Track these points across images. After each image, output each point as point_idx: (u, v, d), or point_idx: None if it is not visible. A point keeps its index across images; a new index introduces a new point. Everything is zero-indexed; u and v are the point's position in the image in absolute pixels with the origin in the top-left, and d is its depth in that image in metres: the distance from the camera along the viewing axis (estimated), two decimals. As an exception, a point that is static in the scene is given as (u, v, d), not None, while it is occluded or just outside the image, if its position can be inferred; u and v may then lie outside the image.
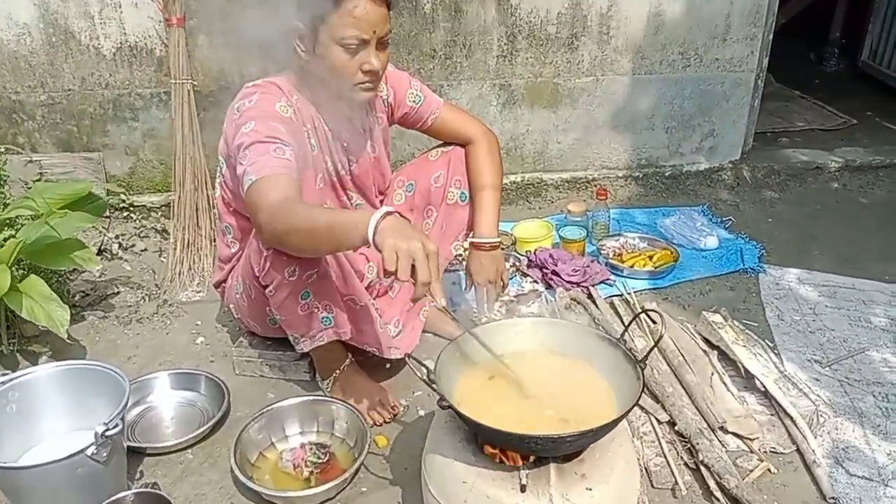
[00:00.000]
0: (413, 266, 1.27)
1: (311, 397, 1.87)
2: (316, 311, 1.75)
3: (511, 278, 2.52)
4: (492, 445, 1.38)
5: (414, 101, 2.00)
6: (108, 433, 1.48)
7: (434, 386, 1.30)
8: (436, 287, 1.30)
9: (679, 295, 2.48)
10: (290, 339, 1.85)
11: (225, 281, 2.03)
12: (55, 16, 2.55)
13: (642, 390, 1.33)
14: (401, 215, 1.38)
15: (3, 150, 2.37)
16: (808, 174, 3.32)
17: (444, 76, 2.88)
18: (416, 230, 1.39)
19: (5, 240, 2.07)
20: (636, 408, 1.91)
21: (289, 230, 1.47)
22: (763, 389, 1.94)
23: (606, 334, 1.52)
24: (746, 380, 2.01)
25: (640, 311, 1.76)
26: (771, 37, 3.17)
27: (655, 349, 2.10)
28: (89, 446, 1.47)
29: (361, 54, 1.66)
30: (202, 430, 1.82)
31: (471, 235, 2.04)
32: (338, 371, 1.93)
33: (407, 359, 1.32)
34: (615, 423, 1.29)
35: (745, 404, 1.93)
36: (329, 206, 1.82)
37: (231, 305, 2.02)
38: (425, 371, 1.31)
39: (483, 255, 2.00)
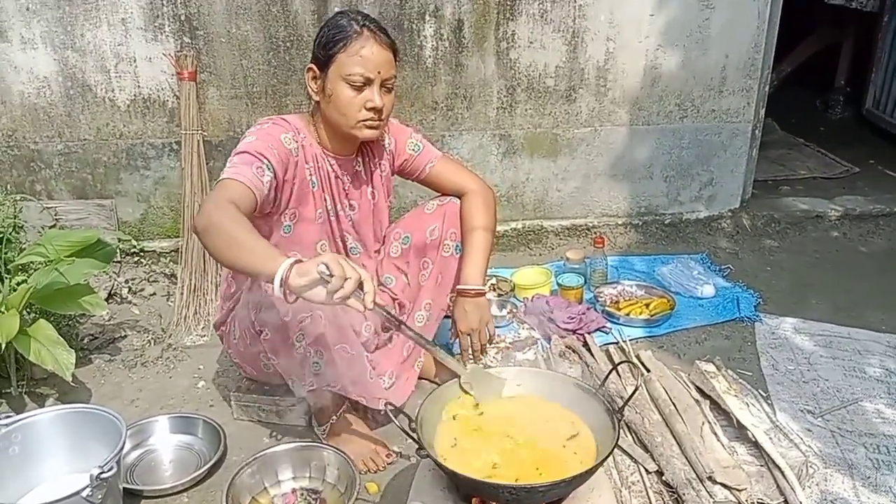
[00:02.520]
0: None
1: (304, 443, 1.91)
2: (309, 355, 1.80)
3: (508, 325, 2.56)
4: (472, 494, 1.41)
5: (413, 150, 2.09)
6: (104, 476, 1.52)
7: (413, 435, 1.34)
8: (368, 286, 1.37)
9: (675, 343, 2.50)
10: (288, 382, 1.90)
11: (224, 324, 2.08)
12: (73, 70, 2.67)
13: (617, 441, 1.36)
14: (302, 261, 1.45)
15: (19, 198, 2.46)
16: (808, 222, 3.35)
17: (445, 127, 2.97)
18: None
19: (18, 285, 2.16)
20: (626, 457, 1.94)
21: (220, 225, 1.52)
22: (753, 440, 1.96)
23: (586, 385, 1.55)
24: (738, 430, 2.02)
25: (617, 363, 1.78)
26: (767, 89, 3.23)
27: (648, 398, 2.15)
28: (84, 488, 1.51)
29: (366, 92, 1.80)
30: (198, 473, 1.86)
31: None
32: (333, 417, 1.96)
33: (386, 409, 1.36)
34: (589, 473, 1.32)
35: (735, 454, 1.95)
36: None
37: (230, 350, 2.08)
38: (406, 420, 1.35)
39: (467, 301, 2.03)
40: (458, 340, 2.10)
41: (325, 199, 1.95)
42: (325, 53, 1.80)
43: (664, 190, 3.24)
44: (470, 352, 2.07)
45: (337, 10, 2.69)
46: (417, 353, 2.14)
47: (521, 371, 1.66)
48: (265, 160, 1.73)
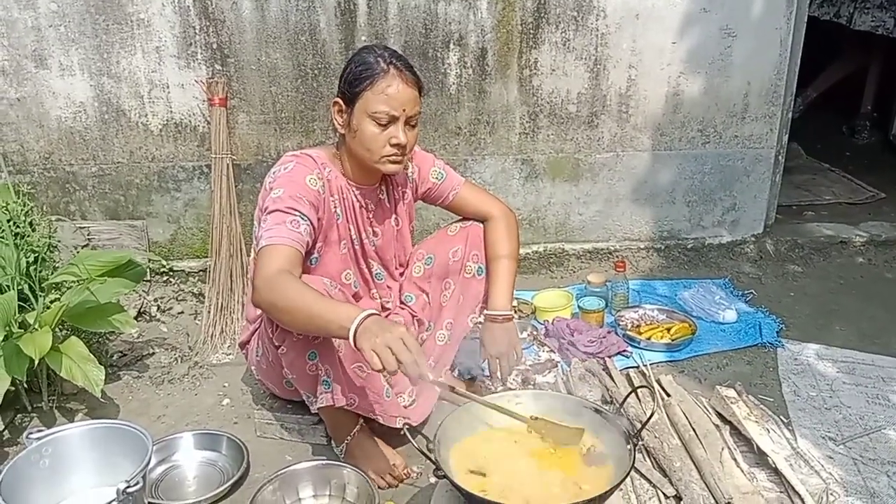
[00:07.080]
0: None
1: (325, 461, 1.94)
2: (320, 373, 1.84)
3: (528, 347, 2.58)
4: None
5: (436, 178, 2.13)
6: (130, 490, 1.56)
7: (431, 456, 1.37)
8: (421, 362, 1.42)
9: (696, 368, 2.50)
10: (304, 398, 1.94)
11: (249, 342, 2.13)
12: (109, 95, 2.77)
13: (633, 465, 1.37)
14: (378, 315, 1.53)
15: (55, 218, 2.54)
16: (832, 248, 3.32)
17: (468, 152, 3.01)
18: (391, 323, 1.52)
19: (51, 303, 2.23)
20: (644, 481, 1.94)
21: (277, 304, 1.62)
22: (774, 466, 1.95)
23: (604, 408, 1.57)
24: (758, 456, 2.01)
25: (633, 388, 1.79)
26: (790, 115, 3.23)
27: (668, 423, 2.15)
28: (111, 502, 1.55)
29: (391, 129, 1.83)
30: (221, 489, 1.90)
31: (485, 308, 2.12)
32: (349, 437, 1.98)
33: (404, 429, 1.39)
34: (605, 496, 1.33)
35: (755, 480, 1.94)
36: (324, 292, 1.78)
37: (253, 367, 2.13)
38: (423, 441, 1.38)
39: (496, 327, 2.06)
40: (487, 363, 2.12)
41: (350, 230, 1.99)
42: (351, 90, 1.83)
43: (686, 215, 3.24)
44: (499, 374, 2.09)
45: (364, 40, 2.76)
46: (437, 373, 2.16)
47: (539, 393, 1.68)
48: (296, 212, 1.78)
